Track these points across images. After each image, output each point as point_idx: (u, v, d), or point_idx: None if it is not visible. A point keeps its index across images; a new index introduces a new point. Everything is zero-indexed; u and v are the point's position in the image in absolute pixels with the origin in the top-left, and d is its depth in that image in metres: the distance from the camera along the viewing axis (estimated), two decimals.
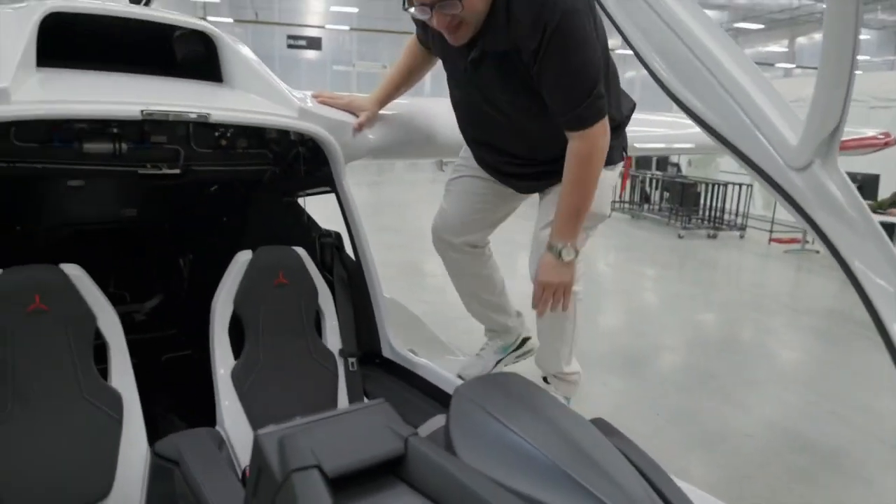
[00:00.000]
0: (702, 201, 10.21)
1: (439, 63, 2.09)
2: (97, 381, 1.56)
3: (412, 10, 1.69)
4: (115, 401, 1.57)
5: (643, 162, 12.74)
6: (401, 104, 2.32)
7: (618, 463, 0.98)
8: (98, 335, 1.61)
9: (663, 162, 11.97)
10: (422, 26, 1.97)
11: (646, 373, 4.38)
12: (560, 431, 1.00)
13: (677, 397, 3.95)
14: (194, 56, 1.98)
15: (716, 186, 9.97)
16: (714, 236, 9.77)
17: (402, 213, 11.02)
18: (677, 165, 12.09)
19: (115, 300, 1.70)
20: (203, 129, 1.92)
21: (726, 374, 4.28)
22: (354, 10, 23.59)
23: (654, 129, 3.34)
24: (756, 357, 4.75)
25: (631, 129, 2.13)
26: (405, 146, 2.33)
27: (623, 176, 12.31)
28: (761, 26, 23.63)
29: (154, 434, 1.62)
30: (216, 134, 1.96)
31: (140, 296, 2.47)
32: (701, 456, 3.24)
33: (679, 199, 10.42)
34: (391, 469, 0.90)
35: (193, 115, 1.62)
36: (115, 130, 1.74)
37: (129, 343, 1.67)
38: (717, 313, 6.18)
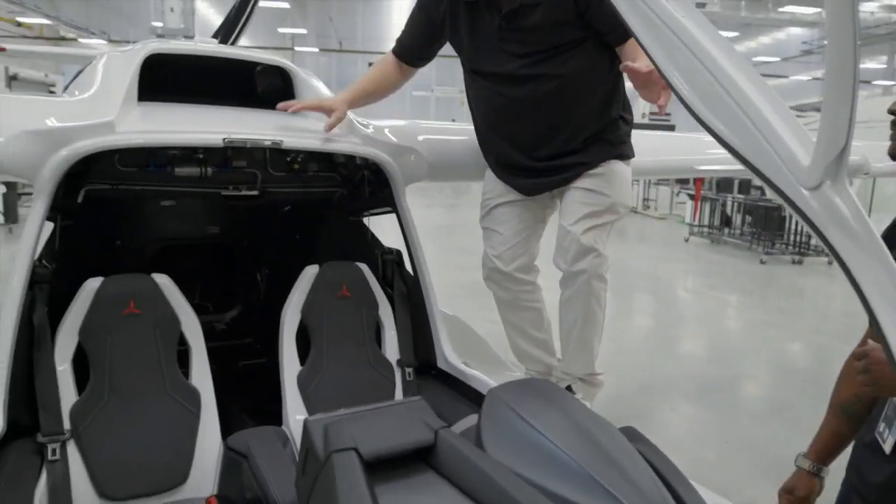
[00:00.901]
0: (787, 225, 9.79)
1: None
2: (179, 378, 1.75)
3: None
4: (194, 397, 1.74)
5: (725, 185, 12.34)
6: (455, 129, 2.45)
7: (638, 466, 1.04)
8: (181, 338, 1.80)
9: (746, 185, 11.56)
10: (423, 26, 2.15)
11: (718, 400, 4.26)
12: (584, 433, 1.07)
13: (749, 425, 3.83)
14: (273, 88, 2.19)
15: None
16: (799, 262, 9.33)
17: (477, 234, 11.15)
18: (761, 188, 11.64)
19: (198, 311, 1.89)
20: (278, 154, 2.11)
21: (804, 404, 4.10)
22: None
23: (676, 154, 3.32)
24: None
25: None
26: (461, 169, 2.45)
27: (695, 198, 11.98)
28: (858, 42, 22.48)
29: (227, 430, 1.78)
30: (289, 159, 2.14)
31: (221, 307, 2.69)
32: (766, 487, 3.13)
33: (762, 222, 10.04)
34: (422, 457, 1.00)
35: (268, 143, 1.80)
36: (201, 156, 1.95)
37: (210, 350, 1.85)
38: (800, 343, 5.92)
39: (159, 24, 15.87)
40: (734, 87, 1.09)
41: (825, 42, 0.91)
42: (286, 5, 21.66)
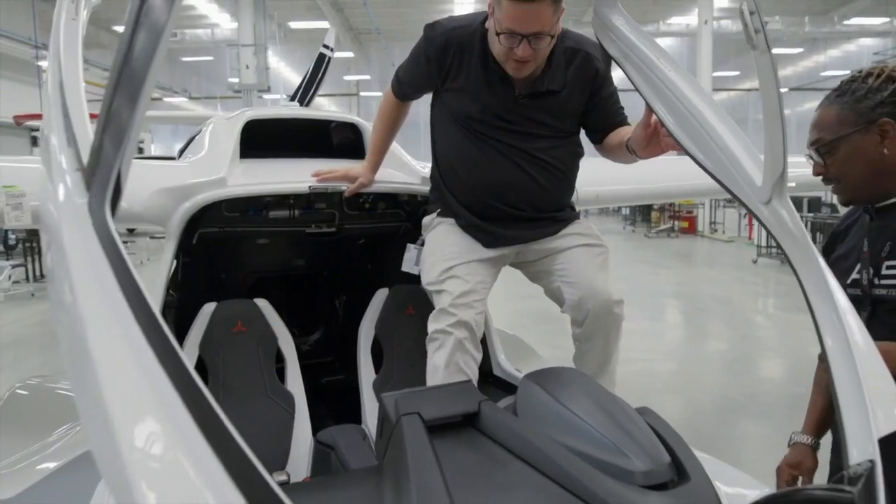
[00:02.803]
0: None
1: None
2: (277, 384, 2.11)
3: (501, 36, 1.75)
4: (290, 400, 2.10)
5: (793, 203, 12.10)
6: None
7: (643, 431, 1.30)
8: (278, 352, 2.18)
9: (815, 203, 11.33)
10: (426, 73, 2.00)
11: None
12: (599, 406, 1.34)
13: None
14: (346, 141, 2.60)
15: None
16: None
17: None
18: (831, 206, 11.38)
19: None
20: (352, 196, 2.50)
21: None
22: None
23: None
24: None
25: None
26: None
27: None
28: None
29: (316, 428, 2.13)
30: (361, 199, 2.53)
31: (306, 330, 3.08)
32: None
33: None
34: (470, 422, 1.30)
35: (344, 188, 2.19)
36: (290, 201, 2.36)
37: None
38: None
39: (235, 80, 17.21)
40: (706, 123, 1.38)
41: None
42: (351, 54, 22.86)
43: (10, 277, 8.62)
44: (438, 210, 2.16)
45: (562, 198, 2.12)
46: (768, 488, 1.32)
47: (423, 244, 2.21)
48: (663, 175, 3.18)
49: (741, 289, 9.34)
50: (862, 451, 0.84)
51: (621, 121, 2.06)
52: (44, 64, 17.64)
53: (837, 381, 0.94)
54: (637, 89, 1.60)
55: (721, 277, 10.34)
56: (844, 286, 1.41)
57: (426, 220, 2.21)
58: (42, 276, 9.49)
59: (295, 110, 2.58)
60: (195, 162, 2.33)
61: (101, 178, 0.76)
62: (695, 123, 1.42)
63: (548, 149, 1.99)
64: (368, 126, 2.61)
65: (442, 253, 2.07)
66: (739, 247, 13.33)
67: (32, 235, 8.90)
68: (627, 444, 1.22)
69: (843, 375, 0.93)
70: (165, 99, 22.85)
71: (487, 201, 2.03)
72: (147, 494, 0.49)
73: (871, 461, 0.82)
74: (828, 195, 12.47)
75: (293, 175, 2.23)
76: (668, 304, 8.63)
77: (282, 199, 2.37)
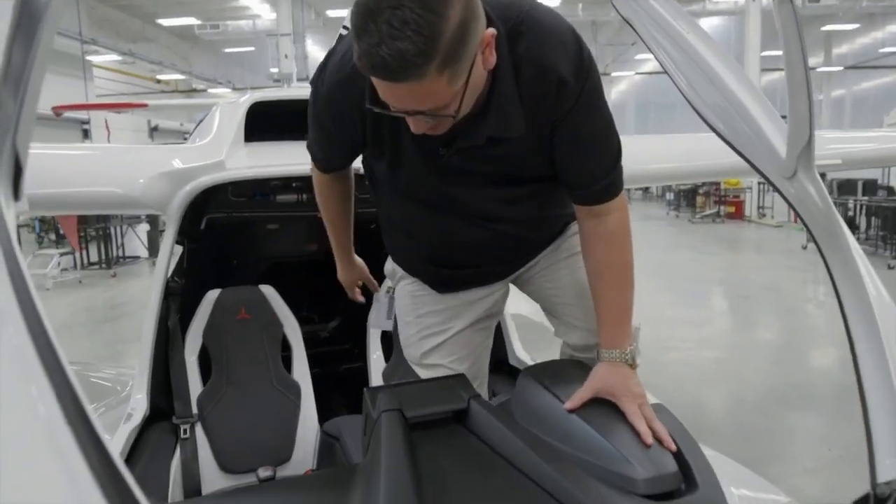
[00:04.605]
0: None
1: None
2: (283, 373, 2.05)
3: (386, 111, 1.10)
4: (296, 389, 2.04)
5: (847, 187, 11.55)
6: None
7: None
8: (284, 340, 2.11)
9: (871, 186, 10.77)
10: (338, 139, 1.41)
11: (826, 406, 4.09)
12: (604, 405, 1.22)
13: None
14: None
15: None
16: None
17: None
18: (888, 188, 10.81)
19: (305, 321, 2.19)
20: (362, 179, 2.40)
21: None
22: None
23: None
24: None
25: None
26: None
27: None
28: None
29: (326, 417, 2.06)
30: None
31: (325, 317, 3.02)
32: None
33: (891, 225, 9.31)
34: (458, 419, 1.20)
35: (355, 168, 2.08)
36: (298, 185, 2.28)
37: (316, 355, 2.13)
38: None
39: (276, 70, 17.36)
40: (727, 89, 1.23)
41: None
42: None
43: (58, 265, 8.86)
44: None
45: (549, 232, 1.56)
46: (787, 497, 1.18)
47: (392, 292, 1.82)
48: (694, 153, 3.00)
49: (789, 276, 8.95)
50: (893, 467, 0.71)
51: (597, 189, 1.32)
52: (92, 59, 18.17)
53: (866, 383, 0.80)
54: (651, 51, 1.44)
55: (768, 263, 9.94)
56: None
57: (388, 266, 1.71)
58: (90, 263, 9.80)
59: (299, 91, 2.49)
60: (198, 146, 2.28)
61: None
62: (715, 90, 1.27)
63: (514, 199, 1.40)
64: None
65: (416, 320, 1.59)
66: (789, 232, 12.78)
67: (81, 224, 9.15)
68: (631, 449, 1.11)
69: (872, 378, 0.79)
70: (210, 90, 23.26)
71: (444, 271, 1.55)
72: None
73: None
74: (886, 176, 11.85)
75: (298, 157, 2.15)
76: (713, 291, 8.34)
77: (289, 183, 2.30)
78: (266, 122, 2.34)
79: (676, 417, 1.29)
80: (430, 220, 1.45)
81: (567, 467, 1.03)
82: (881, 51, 21.84)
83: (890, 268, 8.62)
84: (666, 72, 1.45)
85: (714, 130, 1.28)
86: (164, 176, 1.95)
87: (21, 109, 0.61)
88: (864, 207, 10.38)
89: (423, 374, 1.57)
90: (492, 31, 1.08)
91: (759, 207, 15.56)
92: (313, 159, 1.56)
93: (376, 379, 2.18)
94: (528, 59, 1.19)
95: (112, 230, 9.98)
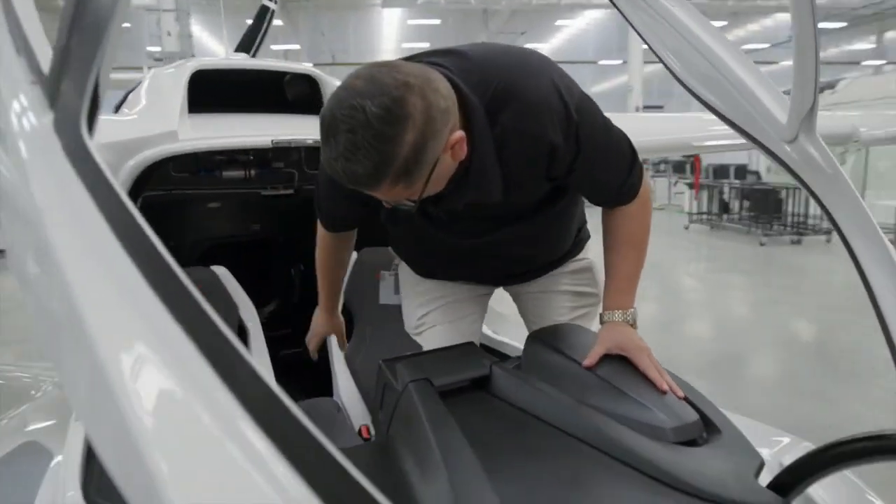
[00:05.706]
0: (785, 207, 10.00)
1: None
2: None
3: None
4: None
5: (721, 172, 12.55)
6: None
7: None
8: (240, 323, 2.00)
9: (742, 171, 11.79)
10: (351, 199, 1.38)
11: (728, 376, 4.45)
12: (615, 361, 1.26)
13: (761, 396, 4.02)
14: (302, 95, 2.39)
15: (799, 190, 9.75)
16: (798, 242, 9.53)
17: None
18: (756, 173, 11.88)
19: None
20: (313, 154, 2.31)
21: (816, 374, 4.29)
22: (426, 44, 24.51)
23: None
24: (847, 354, 4.72)
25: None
26: None
27: (695, 186, 12.19)
28: (844, 24, 22.74)
29: None
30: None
31: (261, 301, 2.89)
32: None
33: (760, 206, 10.25)
34: (481, 386, 1.20)
35: (310, 141, 1.99)
36: (250, 158, 2.15)
37: None
38: (805, 317, 6.10)
39: (156, 49, 16.20)
40: (719, 62, 1.30)
41: (821, 25, 1.10)
42: (279, 23, 21.96)
43: None
44: None
45: (556, 250, 1.65)
46: (805, 442, 1.28)
47: (397, 269, 1.89)
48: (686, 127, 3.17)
49: (674, 254, 9.63)
50: None
51: (616, 199, 1.43)
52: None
53: (893, 329, 0.88)
54: (635, 29, 1.49)
55: (653, 242, 10.61)
56: None
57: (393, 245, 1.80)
58: None
59: (246, 60, 2.35)
60: (137, 117, 2.08)
61: (72, 89, 0.60)
62: (705, 62, 1.33)
63: (515, 225, 1.44)
64: (326, 77, 2.41)
65: (415, 291, 1.71)
66: (670, 214, 13.73)
67: None
68: (654, 400, 1.15)
69: None
70: None
71: (449, 274, 1.67)
72: (154, 448, 0.35)
73: None
74: (756, 163, 12.98)
75: (252, 129, 2.03)
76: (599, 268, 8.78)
77: (236, 158, 2.17)
78: (207, 93, 2.18)
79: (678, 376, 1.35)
80: (433, 244, 1.52)
81: (602, 420, 1.06)
82: (743, 47, 23.81)
83: (761, 244, 9.48)
84: (649, 47, 1.50)
85: (704, 103, 1.34)
86: (106, 147, 1.77)
87: (105, 50, 0.58)
88: (737, 191, 11.34)
89: (422, 342, 1.61)
90: (459, 134, 1.10)
91: None
92: (326, 217, 1.67)
93: (337, 357, 2.12)
94: (513, 130, 1.19)
95: None
